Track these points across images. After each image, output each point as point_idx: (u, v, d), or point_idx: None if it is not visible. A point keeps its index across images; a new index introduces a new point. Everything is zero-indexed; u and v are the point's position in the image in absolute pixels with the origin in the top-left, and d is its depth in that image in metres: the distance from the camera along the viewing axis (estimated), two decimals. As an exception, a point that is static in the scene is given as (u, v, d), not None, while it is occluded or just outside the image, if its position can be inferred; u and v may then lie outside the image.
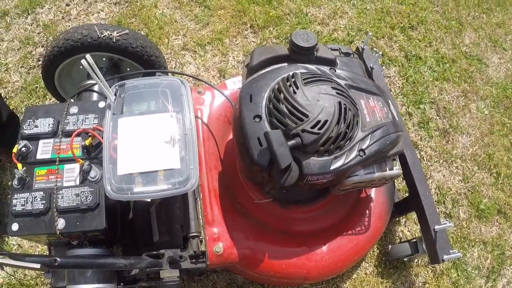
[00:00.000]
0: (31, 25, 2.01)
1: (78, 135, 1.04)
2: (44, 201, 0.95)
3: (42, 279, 1.44)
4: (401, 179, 1.68)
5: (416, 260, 1.61)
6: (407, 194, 1.47)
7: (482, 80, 2.10)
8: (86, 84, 1.36)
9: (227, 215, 1.21)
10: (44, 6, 2.07)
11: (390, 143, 1.07)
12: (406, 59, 2.09)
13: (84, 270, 0.99)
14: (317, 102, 0.99)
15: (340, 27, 2.16)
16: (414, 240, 1.45)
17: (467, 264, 1.64)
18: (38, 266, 0.75)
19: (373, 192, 1.38)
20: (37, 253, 1.50)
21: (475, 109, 2.00)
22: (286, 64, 1.17)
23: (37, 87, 1.83)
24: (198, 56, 1.99)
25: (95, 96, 1.32)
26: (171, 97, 1.10)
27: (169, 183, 0.97)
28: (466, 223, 1.72)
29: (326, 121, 0.97)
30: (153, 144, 1.02)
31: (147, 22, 2.04)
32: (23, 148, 1.02)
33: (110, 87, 1.09)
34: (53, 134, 1.06)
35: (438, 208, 1.71)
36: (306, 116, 0.97)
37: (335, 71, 1.16)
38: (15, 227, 0.94)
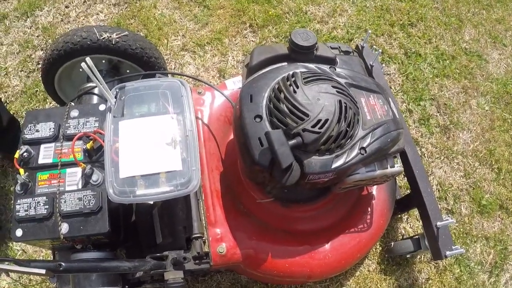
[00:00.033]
0: (30, 28, 2.01)
1: (79, 138, 1.04)
2: (47, 206, 0.95)
3: (47, 283, 1.44)
4: (403, 176, 1.68)
5: (418, 256, 1.61)
6: (408, 191, 1.47)
7: (482, 76, 2.10)
8: (86, 87, 1.36)
9: (229, 215, 1.22)
10: (43, 9, 2.06)
11: (391, 140, 1.07)
12: (406, 56, 2.09)
13: (89, 274, 0.99)
14: (318, 101, 0.99)
15: (340, 25, 2.16)
16: (417, 236, 1.45)
17: (469, 259, 1.64)
18: (43, 271, 0.75)
19: (374, 190, 1.38)
20: (41, 257, 1.51)
21: (476, 105, 2.00)
22: (285, 63, 1.16)
23: (37, 90, 1.83)
24: (198, 56, 1.98)
25: (95, 99, 1.32)
26: (171, 99, 1.10)
27: (171, 185, 0.97)
28: (468, 218, 1.72)
29: (326, 120, 0.97)
30: (155, 146, 1.02)
31: (146, 23, 2.04)
32: (25, 153, 1.02)
33: (110, 90, 1.09)
34: (54, 138, 1.05)
35: (440, 204, 1.71)
36: (307, 115, 0.97)
37: (335, 69, 1.16)
38: (19, 232, 0.94)
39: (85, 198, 0.97)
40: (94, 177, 1.00)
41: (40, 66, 1.79)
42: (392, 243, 1.56)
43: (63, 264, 0.81)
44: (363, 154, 1.02)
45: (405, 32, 2.16)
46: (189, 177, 0.97)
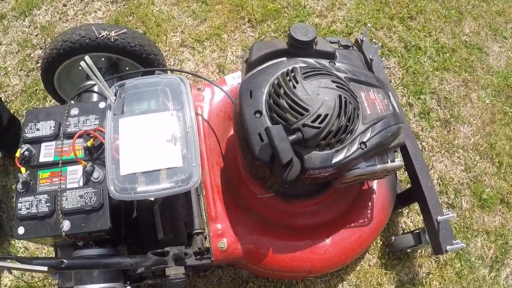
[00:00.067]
0: (29, 27, 2.01)
1: (80, 136, 1.04)
2: (48, 204, 0.96)
3: (50, 280, 1.45)
4: (403, 170, 1.68)
5: (419, 251, 1.61)
6: (409, 185, 1.47)
7: (483, 69, 2.09)
8: (86, 85, 1.36)
9: (230, 210, 1.22)
10: (41, 8, 2.06)
11: (391, 135, 1.07)
12: (406, 49, 2.08)
13: (90, 270, 1.00)
14: (317, 96, 0.99)
15: (339, 18, 2.15)
16: (417, 231, 1.46)
17: (470, 254, 1.65)
18: (45, 268, 0.76)
19: (375, 184, 1.38)
20: (43, 255, 1.52)
21: (476, 98, 1.99)
22: (285, 58, 1.16)
23: (37, 89, 1.83)
24: (197, 52, 1.98)
25: (95, 97, 1.32)
26: (171, 95, 1.10)
27: (172, 182, 0.97)
28: (469, 213, 1.72)
29: (326, 115, 0.97)
30: (155, 143, 1.02)
31: (144, 20, 2.03)
32: (26, 152, 1.02)
33: (109, 87, 1.09)
34: (55, 137, 1.06)
35: (440, 198, 1.72)
36: (307, 110, 0.97)
37: (335, 64, 1.16)
38: (21, 230, 0.94)
39: (86, 196, 0.97)
40: (95, 175, 1.00)
41: (39, 65, 1.79)
42: (393, 238, 1.56)
43: (65, 261, 0.82)
44: (363, 149, 1.02)
45: (404, 25, 2.15)
46: (190, 173, 0.98)
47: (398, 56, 2.05)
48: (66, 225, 0.95)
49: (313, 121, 0.96)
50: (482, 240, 1.68)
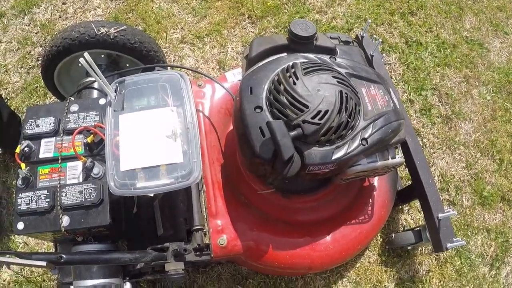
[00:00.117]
0: (29, 25, 2.01)
1: (79, 132, 1.04)
2: (48, 199, 0.96)
3: (49, 275, 1.46)
4: (404, 167, 1.68)
5: (419, 248, 1.61)
6: (410, 182, 1.47)
7: (484, 65, 2.08)
8: (86, 82, 1.36)
9: (230, 206, 1.22)
10: (41, 6, 2.06)
11: (392, 131, 1.06)
12: (407, 45, 2.07)
13: (90, 265, 1.00)
14: (318, 92, 0.98)
15: (339, 15, 2.14)
16: (418, 228, 1.45)
17: (470, 251, 1.64)
18: (44, 263, 0.76)
19: (376, 181, 1.38)
20: (43, 250, 1.52)
21: (477, 94, 1.98)
22: (285, 54, 1.16)
23: (37, 86, 1.83)
24: (197, 48, 1.98)
25: (95, 94, 1.32)
26: (170, 91, 1.10)
27: (172, 177, 0.97)
28: (470, 210, 1.72)
29: (327, 111, 0.97)
30: (155, 139, 1.02)
31: (144, 17, 2.03)
32: (26, 148, 1.03)
33: (110, 84, 1.09)
34: (54, 133, 1.06)
35: (441, 195, 1.71)
36: (307, 106, 0.97)
37: (335, 59, 1.15)
38: (20, 225, 0.95)
39: (86, 191, 0.98)
40: (95, 170, 1.01)
41: (39, 62, 1.79)
42: (393, 235, 1.56)
43: (64, 256, 0.82)
44: (364, 145, 1.01)
45: (405, 21, 2.14)
46: (190, 169, 0.98)
47: (399, 52, 2.05)
48: (65, 220, 0.95)
49: (313, 117, 0.96)
50: (483, 238, 1.67)
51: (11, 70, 1.88)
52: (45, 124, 1.07)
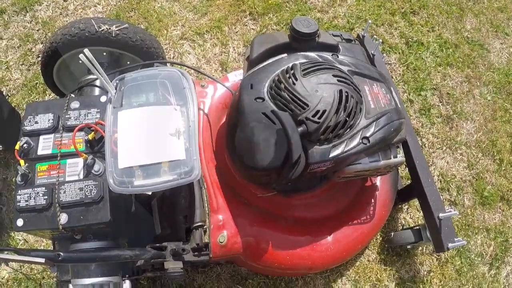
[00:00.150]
0: (30, 22, 2.01)
1: (80, 129, 1.04)
2: (46, 197, 0.95)
3: (49, 272, 1.45)
4: (404, 166, 1.68)
5: (420, 248, 1.61)
6: (409, 181, 1.47)
7: (484, 65, 2.08)
8: (87, 79, 1.36)
9: (230, 203, 1.21)
10: (42, 3, 2.06)
11: (394, 130, 1.06)
12: (407, 45, 2.07)
13: (88, 264, 1.00)
14: (316, 92, 0.98)
15: (340, 14, 2.14)
16: (418, 227, 1.45)
17: (470, 251, 1.64)
18: (42, 260, 0.76)
19: (378, 181, 1.37)
20: (42, 247, 1.52)
21: (479, 94, 1.98)
22: (286, 54, 1.15)
23: (37, 83, 1.83)
24: (197, 45, 1.97)
25: (97, 91, 1.31)
26: (172, 89, 1.09)
27: (175, 174, 0.97)
28: (471, 210, 1.71)
29: (324, 111, 0.96)
30: (157, 136, 1.02)
31: (146, 16, 2.03)
32: (25, 145, 1.02)
33: (111, 81, 1.08)
34: (53, 130, 1.05)
35: (442, 195, 1.71)
36: (307, 105, 0.97)
37: (338, 57, 1.15)
38: (19, 222, 0.94)
39: (87, 188, 0.97)
40: (96, 167, 1.00)
41: (40, 59, 1.79)
42: (392, 233, 1.56)
43: (62, 254, 0.82)
44: (365, 144, 1.01)
45: (407, 21, 2.13)
46: (192, 166, 0.97)
47: (399, 53, 2.04)
48: (63, 218, 0.94)
49: (313, 116, 0.96)
50: (482, 238, 1.67)
51: (12, 67, 1.88)
52: (44, 120, 1.06)
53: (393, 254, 1.60)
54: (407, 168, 1.46)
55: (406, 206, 1.69)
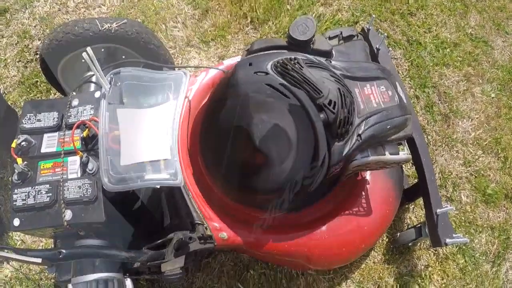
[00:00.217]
0: (28, 18, 1.98)
1: (78, 127, 1.02)
2: (50, 194, 0.94)
3: (46, 274, 1.44)
4: (411, 164, 1.66)
5: (418, 243, 1.60)
6: (416, 180, 1.44)
7: (489, 62, 2.06)
8: (86, 76, 1.34)
9: (223, 214, 1.17)
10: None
11: (392, 127, 1.05)
12: (408, 43, 2.06)
13: (92, 260, 0.99)
14: (323, 83, 0.96)
15: (344, 7, 2.11)
16: (419, 225, 1.44)
17: (474, 250, 1.63)
18: (39, 260, 0.74)
19: (368, 175, 1.32)
20: (41, 247, 1.50)
21: (480, 92, 1.97)
22: (285, 51, 1.13)
23: (37, 81, 1.81)
24: (202, 51, 1.97)
25: (92, 87, 1.30)
26: (174, 90, 1.10)
27: (168, 173, 0.97)
28: (471, 207, 1.70)
29: (335, 102, 0.94)
30: (153, 134, 1.01)
31: (144, 10, 2.01)
32: (23, 143, 1.00)
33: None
34: (58, 128, 1.04)
35: (440, 192, 1.68)
36: (320, 91, 0.91)
37: (331, 62, 1.13)
38: (16, 222, 0.93)
39: (83, 187, 0.96)
40: (89, 166, 0.98)
41: (37, 56, 1.77)
42: (398, 234, 1.55)
43: (63, 251, 0.80)
44: (359, 141, 1.01)
45: (405, 21, 2.12)
46: (175, 168, 0.98)
47: (403, 48, 2.03)
48: (68, 214, 0.93)
49: (329, 104, 0.91)
50: (487, 236, 1.66)
51: (10, 64, 1.86)
52: (48, 118, 1.05)
53: (396, 253, 1.59)
54: (413, 167, 1.43)
55: (412, 206, 1.68)
